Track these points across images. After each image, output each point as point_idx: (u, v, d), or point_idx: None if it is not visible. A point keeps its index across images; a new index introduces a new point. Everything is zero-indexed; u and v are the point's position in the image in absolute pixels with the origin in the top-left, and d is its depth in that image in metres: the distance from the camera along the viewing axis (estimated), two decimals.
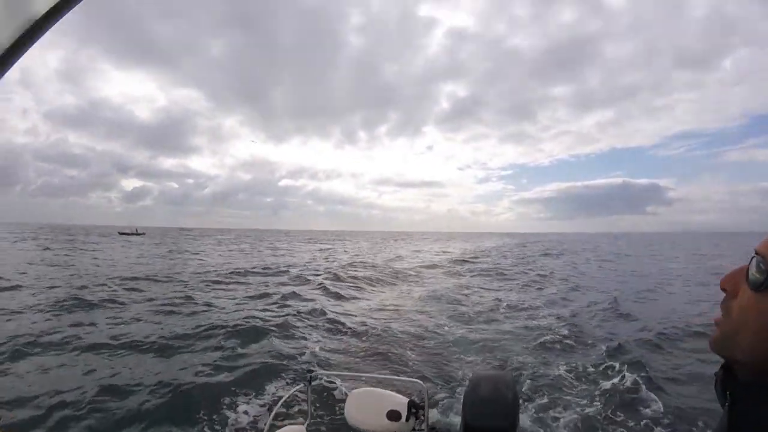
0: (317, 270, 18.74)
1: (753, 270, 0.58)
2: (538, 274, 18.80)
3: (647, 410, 4.73)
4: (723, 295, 0.64)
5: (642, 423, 4.46)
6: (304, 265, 21.25)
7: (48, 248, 29.51)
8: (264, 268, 19.08)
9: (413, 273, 19.29)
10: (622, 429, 4.36)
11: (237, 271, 17.66)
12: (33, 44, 0.76)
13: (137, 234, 50.45)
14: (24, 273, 15.42)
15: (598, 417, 4.59)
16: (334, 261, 24.63)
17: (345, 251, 36.32)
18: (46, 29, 0.75)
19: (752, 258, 0.59)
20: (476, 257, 30.13)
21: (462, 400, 1.85)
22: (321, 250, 38.22)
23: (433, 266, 22.86)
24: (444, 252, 37.78)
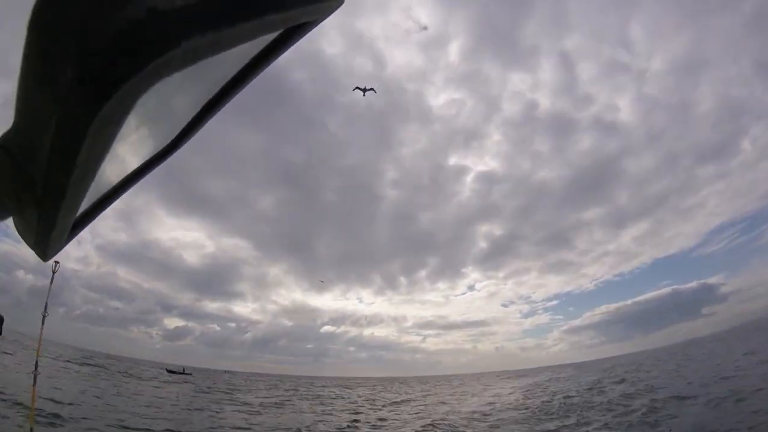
0: None
1: None
2: None
3: None
4: None
5: None
6: None
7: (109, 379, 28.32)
8: None
9: None
10: None
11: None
12: (113, 203, 0.83)
13: (185, 374, 50.78)
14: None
15: None
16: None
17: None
18: (129, 187, 0.83)
19: None
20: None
21: None
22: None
23: None
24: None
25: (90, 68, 0.32)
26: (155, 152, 0.79)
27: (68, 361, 39.82)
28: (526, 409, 17.28)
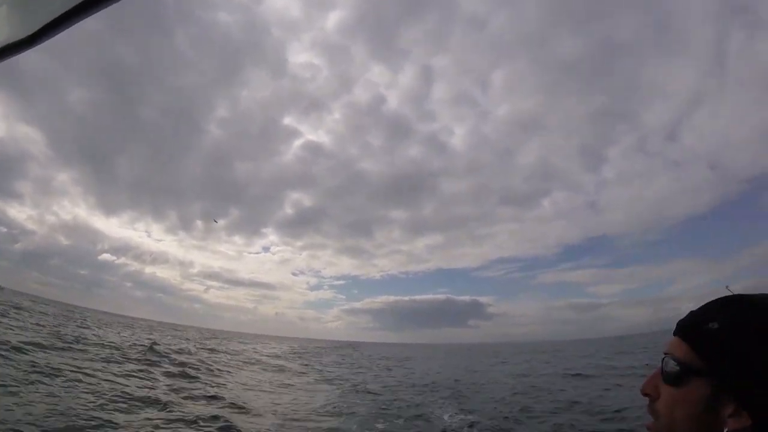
0: None
1: (667, 368, 0.68)
2: None
3: None
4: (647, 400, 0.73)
5: None
6: None
7: None
8: None
9: None
10: None
11: None
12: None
13: None
14: None
15: None
16: None
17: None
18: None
19: (663, 359, 0.71)
20: None
21: None
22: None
23: None
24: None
25: None
26: (8, 42, 0.67)
27: None
28: None
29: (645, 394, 0.73)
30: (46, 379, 9.59)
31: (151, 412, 8.32)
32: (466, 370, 25.89)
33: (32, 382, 9.04)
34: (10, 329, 17.86)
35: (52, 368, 10.79)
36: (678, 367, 0.66)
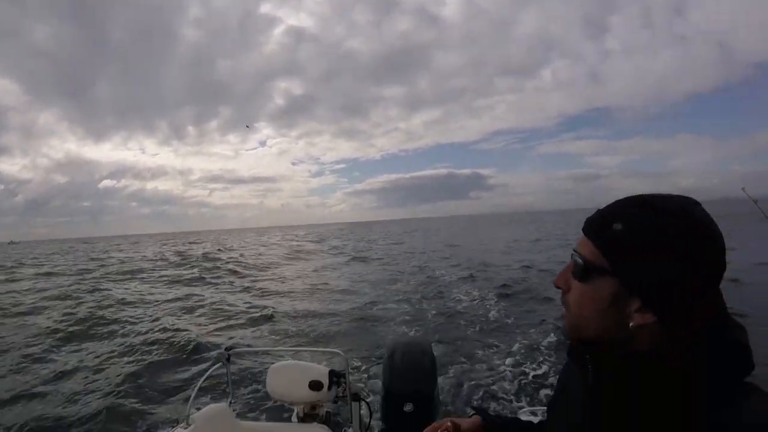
0: None
1: (575, 265, 0.68)
2: None
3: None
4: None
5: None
6: None
7: None
8: None
9: None
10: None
11: None
12: None
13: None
14: None
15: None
16: None
17: None
18: None
19: (572, 256, 0.70)
20: None
21: (381, 367, 2.03)
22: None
23: None
24: None
25: None
26: None
27: None
28: None
29: (557, 287, 0.73)
30: (110, 285, 12.51)
31: (203, 304, 9.92)
32: (457, 239, 30.50)
33: (103, 289, 11.68)
34: (58, 265, 20.77)
35: (109, 282, 13.31)
36: (584, 265, 0.66)
